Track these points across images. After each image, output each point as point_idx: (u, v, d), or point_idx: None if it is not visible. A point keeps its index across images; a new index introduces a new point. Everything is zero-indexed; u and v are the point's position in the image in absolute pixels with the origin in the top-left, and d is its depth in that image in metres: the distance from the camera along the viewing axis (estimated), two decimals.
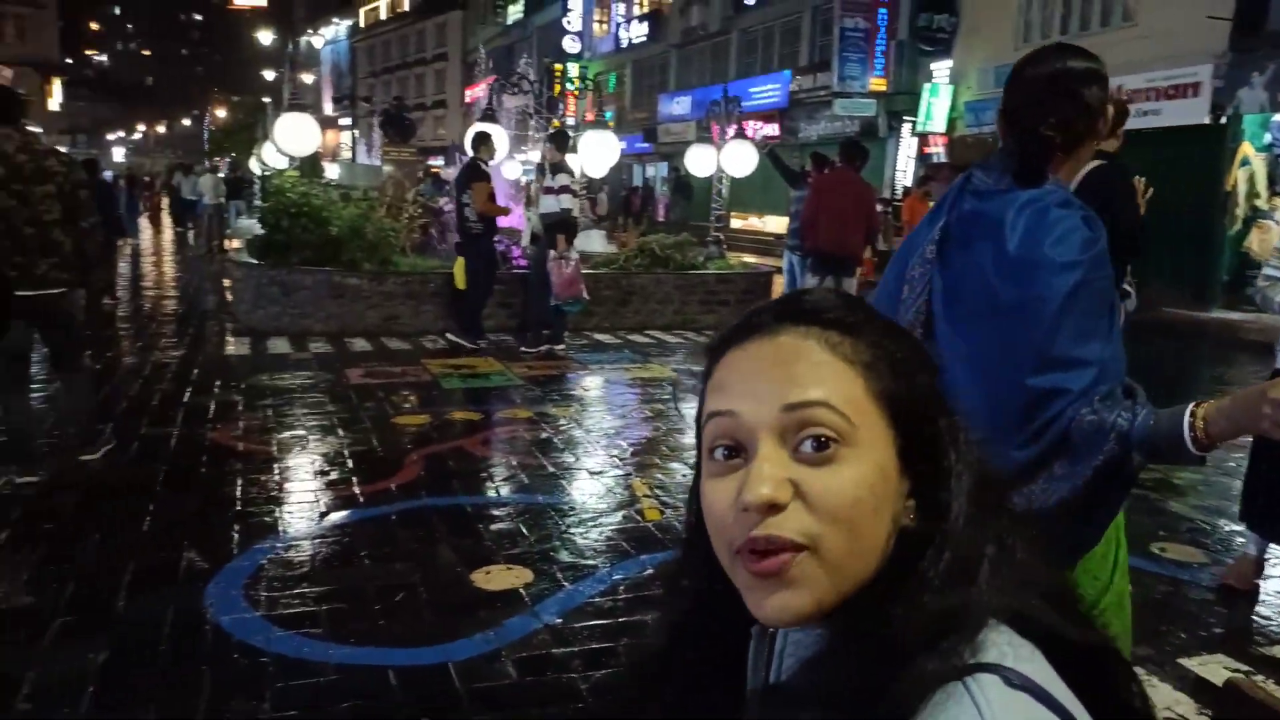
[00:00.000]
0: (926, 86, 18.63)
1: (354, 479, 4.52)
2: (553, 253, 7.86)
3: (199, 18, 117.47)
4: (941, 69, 18.64)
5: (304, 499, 4.26)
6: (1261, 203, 12.31)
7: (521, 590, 3.33)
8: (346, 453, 4.95)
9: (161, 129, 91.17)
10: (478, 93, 36.38)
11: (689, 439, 5.59)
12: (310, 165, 16.31)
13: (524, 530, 3.93)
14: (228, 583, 3.28)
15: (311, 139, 9.59)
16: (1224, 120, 12.31)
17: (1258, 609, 3.41)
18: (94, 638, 2.84)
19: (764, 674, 0.74)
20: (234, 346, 8.07)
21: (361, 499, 4.25)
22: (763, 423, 0.66)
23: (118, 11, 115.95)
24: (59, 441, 4.84)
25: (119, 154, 70.61)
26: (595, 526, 4.01)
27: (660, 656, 0.81)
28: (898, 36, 19.56)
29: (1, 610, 3.02)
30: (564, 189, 7.77)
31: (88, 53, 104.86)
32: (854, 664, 0.64)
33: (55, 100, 50.27)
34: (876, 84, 19.89)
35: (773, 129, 23.13)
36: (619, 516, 4.14)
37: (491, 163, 8.60)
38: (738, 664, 0.78)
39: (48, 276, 4.27)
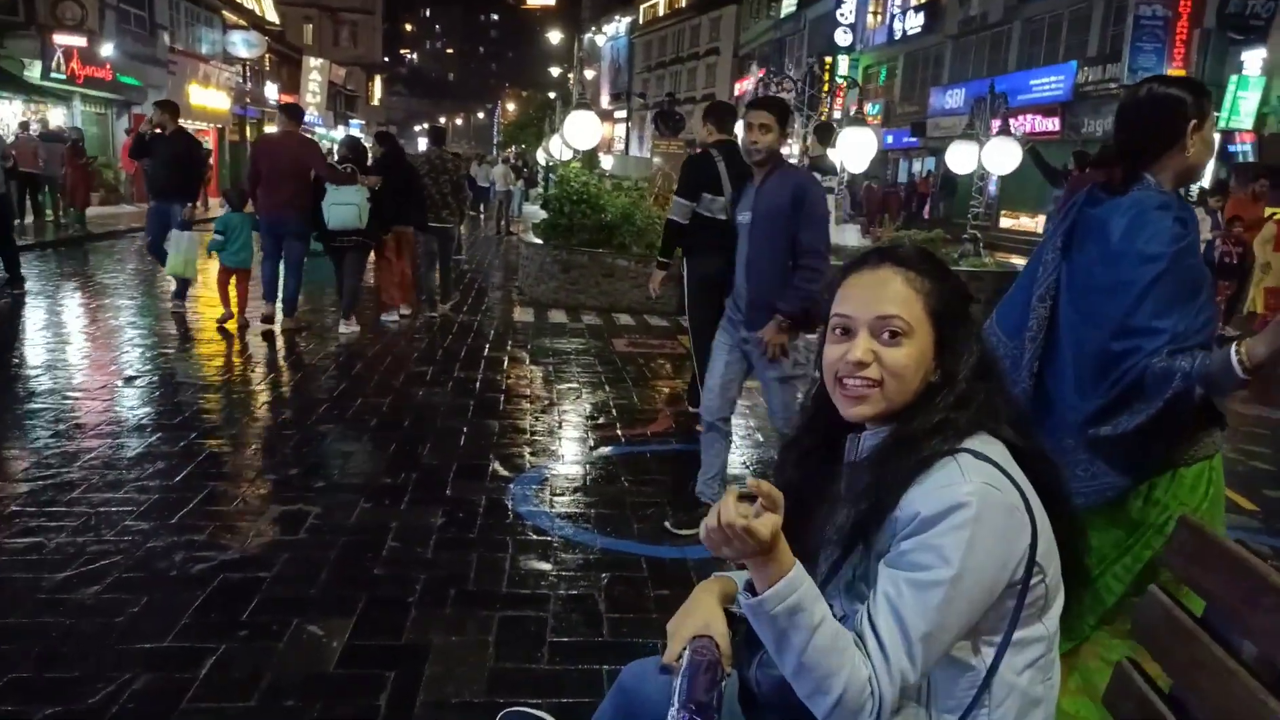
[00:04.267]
0: (1234, 78, 17.08)
1: (617, 424, 5.40)
2: None
3: (496, 18, 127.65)
4: (1253, 59, 17.02)
5: (579, 434, 5.18)
6: None
7: None
8: (611, 404, 5.86)
9: (459, 121, 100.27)
10: (746, 86, 37.25)
11: None
12: (589, 157, 17.87)
13: (751, 471, 4.60)
14: (524, 485, 4.23)
15: (594, 134, 10.75)
16: None
17: None
18: (432, 508, 3.85)
19: (852, 457, 1.37)
20: (520, 314, 9.35)
21: (623, 439, 5.11)
22: (864, 322, 1.30)
23: (428, 13, 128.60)
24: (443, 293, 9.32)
25: (422, 144, 78.88)
26: None
27: (797, 441, 1.47)
28: (1203, 24, 18.03)
29: (374, 485, 4.13)
30: None
31: (402, 52, 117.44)
32: (890, 448, 1.27)
33: (376, 96, 57.12)
34: (1174, 74, 18.43)
35: (1053, 123, 22.06)
36: None
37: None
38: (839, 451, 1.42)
39: (445, 219, 8.94)
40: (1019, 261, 15.00)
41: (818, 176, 8.45)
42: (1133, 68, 18.54)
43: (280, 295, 7.72)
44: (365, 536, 3.53)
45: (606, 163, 22.91)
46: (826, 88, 26.92)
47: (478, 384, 6.20)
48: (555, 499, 4.11)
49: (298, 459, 4.45)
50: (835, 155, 11.33)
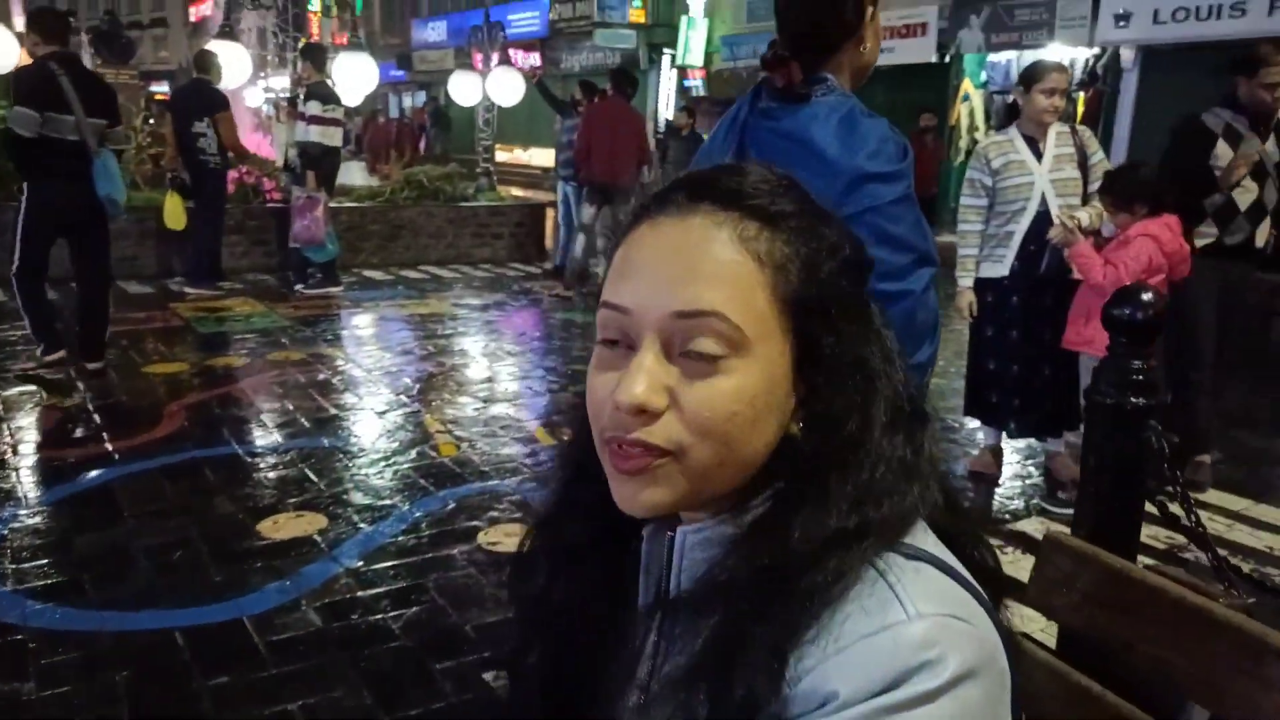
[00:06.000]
0: (684, 19, 18.97)
1: (104, 435, 4.06)
2: (298, 190, 7.34)
3: None
4: (697, 2, 19.04)
5: (45, 460, 3.77)
6: (980, 135, 13.68)
7: (316, 536, 3.16)
8: (91, 407, 4.43)
9: None
10: (205, 10, 32.88)
11: (476, 372, 5.49)
12: (4, 88, 14.15)
13: (311, 475, 3.71)
14: None
15: (8, 54, 8.29)
16: (948, 59, 13.50)
17: (999, 490, 3.89)
18: None
19: (660, 583, 0.72)
20: None
21: (116, 456, 3.83)
22: (650, 324, 0.64)
23: None
24: None
25: None
26: (388, 466, 3.86)
27: (556, 526, 0.79)
28: None
29: None
30: (315, 118, 7.21)
31: None
32: (752, 583, 0.63)
33: None
34: (635, 15, 20.01)
35: (534, 59, 22.76)
36: (413, 454, 4.00)
37: (223, 86, 7.80)
38: (617, 565, 0.76)
39: None
40: (522, 193, 15.28)
41: (318, 108, 7.41)
42: (601, 6, 19.73)
43: None
44: None
45: None
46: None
47: None
48: (22, 567, 2.83)
49: None
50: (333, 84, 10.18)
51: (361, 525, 3.27)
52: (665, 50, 19.81)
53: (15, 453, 3.83)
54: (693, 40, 18.90)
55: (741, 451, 0.64)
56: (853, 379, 0.66)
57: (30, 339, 5.02)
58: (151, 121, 10.13)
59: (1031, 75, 3.64)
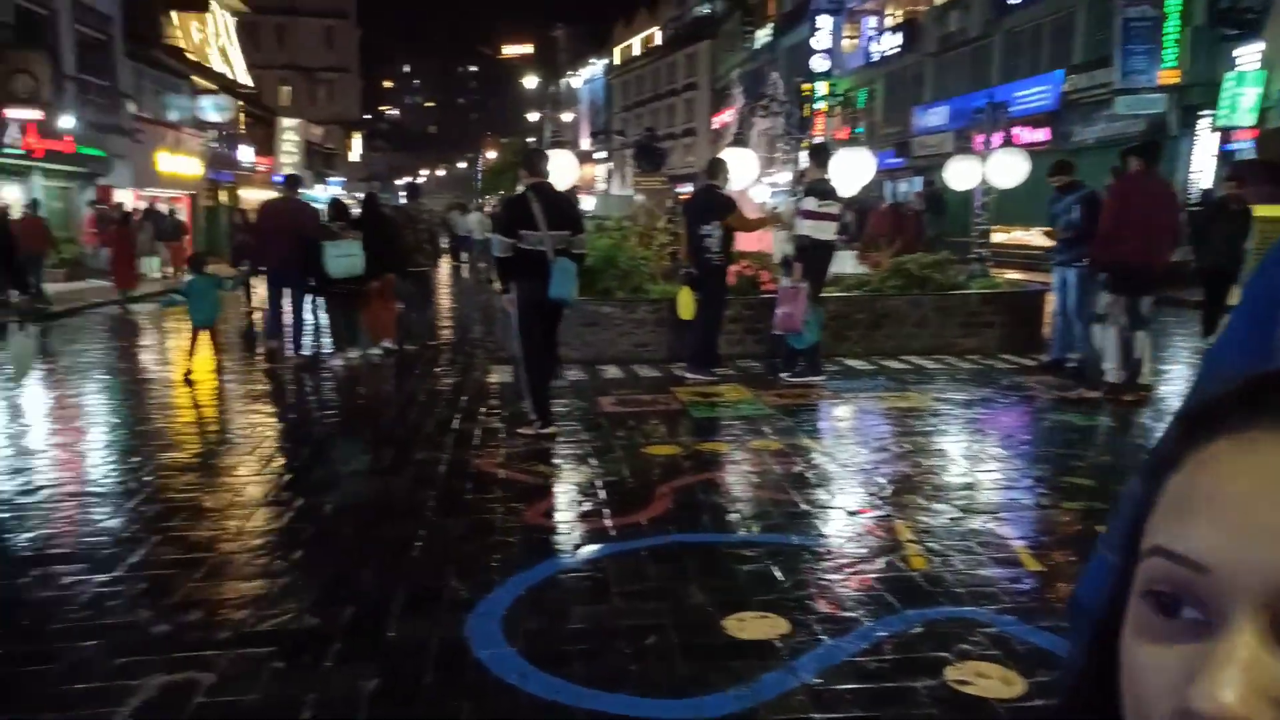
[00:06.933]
0: (1230, 75, 16.44)
1: (605, 511, 4.53)
2: (785, 280, 7.64)
3: (475, 69, 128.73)
4: (1249, 54, 16.39)
5: (559, 530, 4.31)
6: None
7: (777, 642, 3.13)
8: (599, 483, 4.99)
9: (441, 172, 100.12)
10: (726, 118, 36.83)
11: (955, 477, 5.13)
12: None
13: (777, 574, 3.73)
14: (487, 614, 3.35)
15: (570, 173, 10.01)
16: None
17: None
18: (366, 664, 2.97)
19: None
20: (497, 375, 8.49)
21: (613, 532, 4.24)
22: (1248, 593, 0.41)
23: (407, 69, 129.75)
24: (419, 331, 10.38)
25: (403, 198, 78.14)
26: (854, 573, 3.73)
27: None
28: (1193, 22, 17.45)
29: (294, 632, 3.24)
30: (809, 213, 7.49)
31: (381, 108, 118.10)
32: None
33: (355, 152, 56.78)
34: (1167, 76, 17.81)
35: (1042, 134, 21.47)
36: (880, 563, 3.82)
37: (730, 188, 8.52)
38: None
39: (420, 264, 10.46)
40: (1019, 276, 14.27)
41: (814, 204, 7.71)
42: (1125, 71, 17.96)
43: (272, 331, 9.55)
44: (270, 718, 2.65)
45: (588, 203, 22.20)
46: (807, 112, 26.32)
47: (442, 468, 5.33)
48: (526, 632, 3.23)
49: (194, 600, 3.53)
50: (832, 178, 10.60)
51: (822, 637, 3.17)
52: (1202, 112, 17.31)
53: (548, 519, 4.44)
54: (1241, 97, 16.26)
55: None
56: None
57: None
58: (672, 222, 11.46)
59: None
